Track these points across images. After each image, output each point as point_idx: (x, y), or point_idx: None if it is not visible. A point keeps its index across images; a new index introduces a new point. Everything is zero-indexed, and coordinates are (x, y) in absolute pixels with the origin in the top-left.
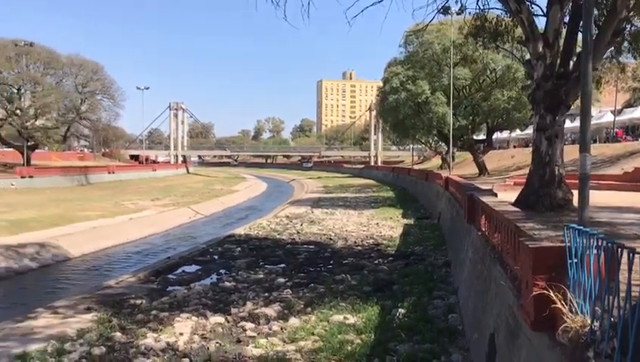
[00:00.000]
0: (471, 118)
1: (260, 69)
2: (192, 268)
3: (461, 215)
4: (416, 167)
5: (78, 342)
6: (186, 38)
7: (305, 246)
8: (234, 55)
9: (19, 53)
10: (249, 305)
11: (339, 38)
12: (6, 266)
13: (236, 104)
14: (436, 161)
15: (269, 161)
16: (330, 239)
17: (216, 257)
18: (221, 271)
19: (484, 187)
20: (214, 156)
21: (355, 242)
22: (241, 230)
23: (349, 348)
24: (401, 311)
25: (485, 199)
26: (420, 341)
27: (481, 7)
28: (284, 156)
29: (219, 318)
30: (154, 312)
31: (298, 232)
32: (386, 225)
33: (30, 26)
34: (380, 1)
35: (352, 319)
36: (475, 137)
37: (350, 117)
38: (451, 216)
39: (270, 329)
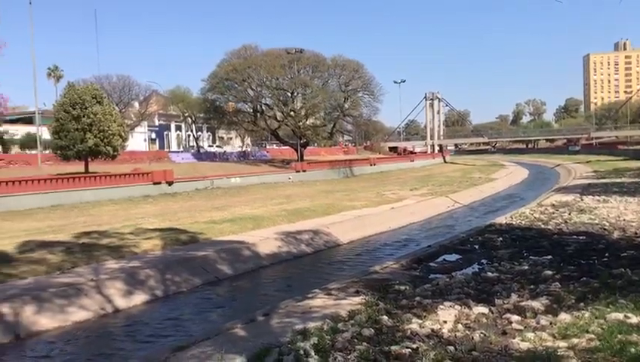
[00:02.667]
0: None
1: (516, 50)
2: (453, 257)
3: None
4: None
5: (349, 323)
6: (437, 26)
7: (574, 236)
8: (487, 37)
9: (291, 60)
10: (514, 296)
11: (607, 5)
12: (287, 251)
13: (493, 89)
14: None
15: (529, 146)
16: (604, 229)
17: (476, 247)
18: (482, 260)
19: None
20: (471, 144)
21: (636, 233)
22: (501, 219)
23: (633, 350)
24: None
25: None
26: None
27: None
28: (546, 140)
29: (482, 308)
30: (417, 299)
31: (566, 222)
32: None
33: (299, 34)
34: None
35: (634, 318)
36: None
37: (625, 92)
38: None
39: (538, 323)
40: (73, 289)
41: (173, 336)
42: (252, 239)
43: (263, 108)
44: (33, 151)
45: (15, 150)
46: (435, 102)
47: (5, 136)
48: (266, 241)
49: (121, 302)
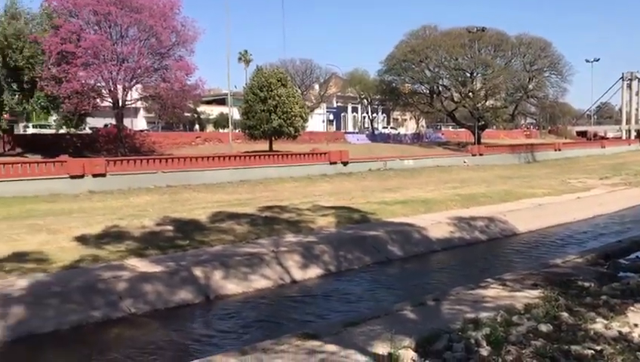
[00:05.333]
0: None
1: None
2: None
3: None
4: None
5: (525, 316)
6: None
7: None
8: None
9: (472, 40)
10: None
11: None
12: (459, 236)
13: None
14: None
15: None
16: None
17: None
18: None
19: None
20: None
21: None
22: None
23: None
24: None
25: None
26: None
27: None
28: None
29: None
30: (603, 297)
31: None
32: None
33: (481, 12)
34: None
35: None
36: None
37: None
38: None
39: None
40: (256, 258)
41: (344, 311)
42: (423, 222)
43: (440, 89)
44: (225, 130)
45: (210, 128)
46: (634, 82)
47: (202, 116)
48: (437, 225)
49: (298, 274)
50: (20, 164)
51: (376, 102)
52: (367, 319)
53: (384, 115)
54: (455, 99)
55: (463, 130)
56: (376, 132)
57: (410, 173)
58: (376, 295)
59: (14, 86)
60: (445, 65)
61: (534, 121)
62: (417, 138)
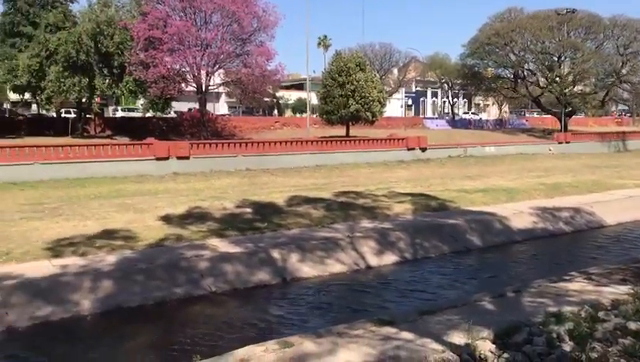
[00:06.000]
0: None
1: None
2: None
3: None
4: None
5: (612, 313)
6: None
7: None
8: None
9: (560, 22)
10: None
11: None
12: (542, 227)
13: None
14: None
15: None
16: None
17: None
18: None
19: None
20: None
21: None
22: None
23: None
24: None
25: None
26: None
27: None
28: None
29: None
30: None
31: None
32: None
33: None
34: None
35: None
36: None
37: None
38: None
39: None
40: (332, 243)
41: (420, 299)
42: (504, 212)
43: (525, 73)
44: (303, 115)
45: (288, 113)
46: None
47: (281, 101)
48: (519, 215)
49: (373, 260)
50: (109, 146)
51: (457, 87)
52: (444, 308)
53: (465, 100)
54: (541, 84)
55: (549, 116)
56: (456, 117)
57: (491, 160)
58: (452, 284)
59: (105, 71)
60: (531, 48)
61: (627, 108)
62: (500, 124)
